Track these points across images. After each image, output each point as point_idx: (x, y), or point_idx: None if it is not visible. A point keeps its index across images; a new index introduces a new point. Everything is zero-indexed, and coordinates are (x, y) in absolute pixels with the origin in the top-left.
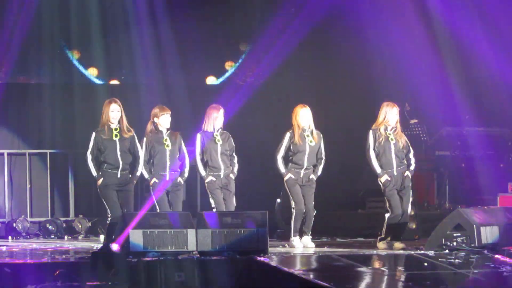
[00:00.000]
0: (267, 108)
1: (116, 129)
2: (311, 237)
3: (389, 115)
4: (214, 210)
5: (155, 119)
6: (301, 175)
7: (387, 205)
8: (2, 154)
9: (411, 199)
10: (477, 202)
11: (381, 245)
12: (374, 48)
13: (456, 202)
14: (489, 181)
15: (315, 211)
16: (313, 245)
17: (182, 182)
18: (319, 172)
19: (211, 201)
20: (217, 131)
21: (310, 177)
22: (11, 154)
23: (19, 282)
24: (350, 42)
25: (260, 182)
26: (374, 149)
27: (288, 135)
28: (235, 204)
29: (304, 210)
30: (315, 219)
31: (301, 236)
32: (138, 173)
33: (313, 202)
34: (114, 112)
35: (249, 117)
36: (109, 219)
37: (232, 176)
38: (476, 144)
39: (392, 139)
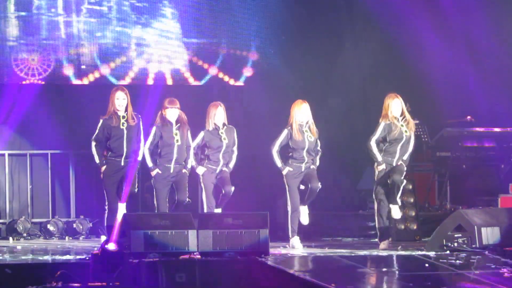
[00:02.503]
0: (269, 106)
1: (123, 117)
2: (308, 210)
3: (392, 107)
4: (205, 205)
5: (163, 112)
6: (303, 169)
7: (374, 194)
8: (3, 155)
9: (402, 176)
10: (478, 203)
11: (381, 245)
12: (376, 47)
13: (457, 203)
14: (490, 182)
15: (320, 186)
16: (307, 217)
17: (187, 173)
18: (318, 163)
19: (203, 195)
20: (222, 128)
21: (311, 167)
22: (12, 155)
23: (20, 283)
24: (354, 39)
25: (261, 182)
26: (376, 139)
27: (286, 131)
28: (233, 190)
29: (299, 208)
30: (316, 220)
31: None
32: (139, 158)
33: (318, 181)
34: (119, 100)
35: (250, 115)
36: (106, 211)
37: (226, 169)
38: (477, 145)
39: (406, 131)
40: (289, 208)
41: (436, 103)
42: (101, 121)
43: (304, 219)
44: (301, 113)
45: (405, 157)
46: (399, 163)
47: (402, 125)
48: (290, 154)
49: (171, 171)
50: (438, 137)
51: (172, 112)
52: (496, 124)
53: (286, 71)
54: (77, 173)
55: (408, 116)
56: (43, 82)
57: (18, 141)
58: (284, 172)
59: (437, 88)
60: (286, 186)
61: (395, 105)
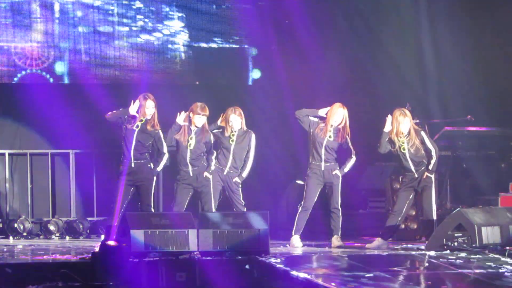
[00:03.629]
0: (272, 106)
1: (141, 121)
2: (339, 236)
3: (401, 125)
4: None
5: (191, 114)
6: (322, 168)
7: (393, 203)
8: (3, 154)
9: (433, 199)
10: (478, 202)
11: (375, 242)
12: (375, 47)
13: (457, 202)
14: (490, 181)
15: (340, 209)
16: (341, 243)
17: (209, 176)
18: (346, 169)
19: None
20: (235, 131)
21: (334, 173)
22: (12, 154)
23: (20, 283)
24: (353, 39)
25: (262, 181)
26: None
27: (317, 119)
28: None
29: (310, 210)
30: (316, 219)
31: (330, 235)
32: (159, 168)
33: (339, 201)
34: (149, 109)
35: (253, 115)
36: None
37: (238, 180)
38: (478, 144)
39: (404, 149)
40: (300, 206)
41: (436, 102)
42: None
43: (337, 244)
44: (334, 115)
45: (430, 166)
46: (424, 176)
47: (402, 143)
48: (311, 149)
49: (191, 174)
50: (438, 136)
51: (200, 120)
52: (496, 123)
53: (290, 71)
54: (77, 172)
55: (412, 131)
56: (44, 82)
57: (18, 140)
58: (321, 112)
59: (438, 86)
60: (305, 185)
61: (405, 123)
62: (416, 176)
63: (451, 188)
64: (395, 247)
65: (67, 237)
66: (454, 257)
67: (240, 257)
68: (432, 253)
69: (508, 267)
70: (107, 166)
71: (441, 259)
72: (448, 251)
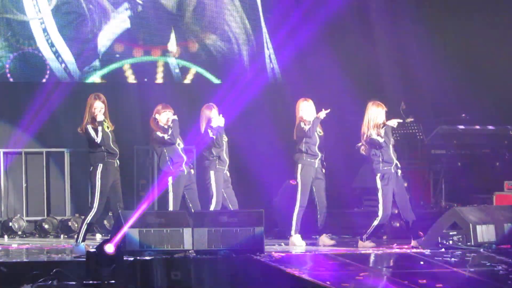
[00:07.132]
0: (265, 106)
1: (105, 121)
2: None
3: (380, 116)
4: (214, 201)
5: (156, 115)
6: (316, 166)
7: (380, 205)
8: None
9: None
10: (473, 200)
11: (367, 244)
12: (371, 46)
13: (452, 200)
14: (485, 179)
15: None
16: (329, 241)
17: (193, 172)
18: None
19: (213, 198)
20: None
21: (323, 171)
22: (7, 153)
23: (15, 281)
24: (348, 39)
25: (257, 180)
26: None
27: (302, 123)
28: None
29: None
30: (311, 218)
31: (319, 234)
32: None
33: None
34: (97, 109)
35: (246, 114)
36: (91, 214)
37: (228, 174)
38: (472, 142)
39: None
40: (297, 205)
41: (431, 101)
42: (89, 126)
43: (328, 242)
44: (309, 111)
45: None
46: (399, 174)
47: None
48: (305, 149)
49: (185, 173)
50: (433, 135)
51: (167, 116)
52: (491, 121)
53: (283, 69)
54: (72, 171)
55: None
56: (42, 80)
57: (13, 139)
58: (321, 116)
59: (432, 85)
60: (299, 182)
61: (383, 114)
62: (393, 171)
63: (445, 187)
64: (390, 245)
65: (62, 236)
66: (449, 256)
67: (235, 256)
68: (427, 251)
69: (503, 265)
70: None
71: (436, 257)
72: (443, 250)
